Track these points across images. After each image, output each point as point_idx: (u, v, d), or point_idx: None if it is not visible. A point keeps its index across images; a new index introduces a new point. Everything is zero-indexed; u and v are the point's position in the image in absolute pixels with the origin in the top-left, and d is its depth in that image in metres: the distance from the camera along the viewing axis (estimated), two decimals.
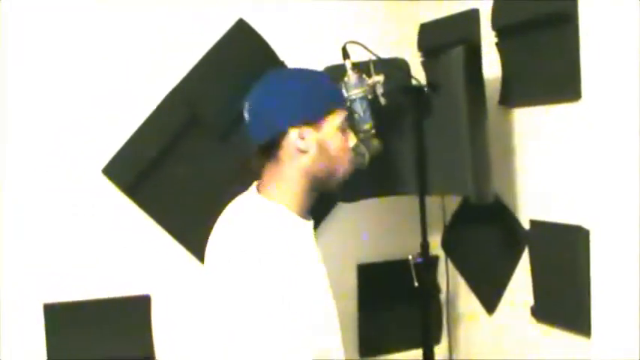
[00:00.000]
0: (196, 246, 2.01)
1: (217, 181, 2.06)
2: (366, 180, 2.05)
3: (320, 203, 2.21)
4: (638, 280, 1.54)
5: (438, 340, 2.32)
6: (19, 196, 1.92)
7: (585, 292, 1.71)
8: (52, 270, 1.96)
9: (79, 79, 1.98)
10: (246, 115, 1.48)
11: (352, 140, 1.52)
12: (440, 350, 2.28)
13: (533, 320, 2.04)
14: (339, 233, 2.34)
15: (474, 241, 2.32)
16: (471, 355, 2.38)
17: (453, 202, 2.33)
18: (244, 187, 1.53)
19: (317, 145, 1.43)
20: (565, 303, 1.89)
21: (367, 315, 2.41)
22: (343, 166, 1.49)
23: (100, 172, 2.00)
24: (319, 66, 1.94)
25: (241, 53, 2.15)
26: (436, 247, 2.35)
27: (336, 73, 1.81)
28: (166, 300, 2.10)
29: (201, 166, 2.11)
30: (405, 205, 2.22)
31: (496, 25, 2.06)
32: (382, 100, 1.77)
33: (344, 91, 1.73)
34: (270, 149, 1.44)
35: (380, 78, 1.75)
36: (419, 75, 2.37)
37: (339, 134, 1.46)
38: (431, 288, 2.04)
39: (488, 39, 2.10)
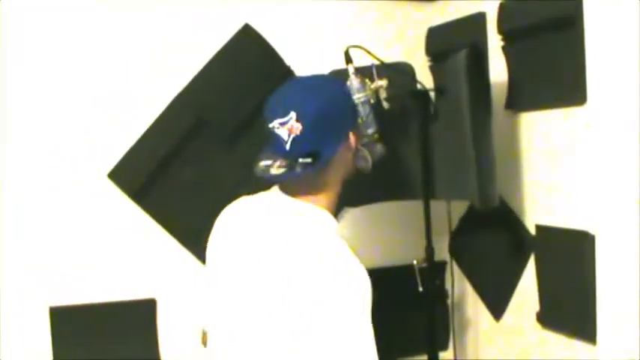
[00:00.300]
0: (202, 250, 2.00)
1: (223, 186, 2.07)
2: (371, 185, 2.04)
3: None
4: None
5: (445, 346, 2.30)
6: (25, 200, 1.94)
7: (591, 298, 1.70)
8: (58, 273, 1.98)
9: (83, 81, 2.00)
10: (293, 127, 1.36)
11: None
12: (446, 356, 2.27)
13: (539, 326, 2.02)
14: (345, 238, 2.33)
15: (481, 246, 2.30)
16: None
17: (460, 207, 2.32)
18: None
19: (356, 140, 1.48)
20: (570, 309, 1.87)
21: (373, 320, 2.39)
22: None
23: (106, 176, 2.01)
24: (325, 70, 1.94)
25: (247, 58, 2.16)
26: (445, 252, 2.34)
27: (339, 77, 1.81)
28: (172, 304, 2.10)
29: (207, 171, 2.12)
30: (412, 209, 2.21)
31: (502, 29, 2.05)
32: (385, 105, 1.77)
33: None
34: (331, 158, 1.40)
35: (383, 82, 1.75)
36: (427, 79, 2.37)
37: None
38: (436, 293, 2.02)
39: (495, 43, 2.09)
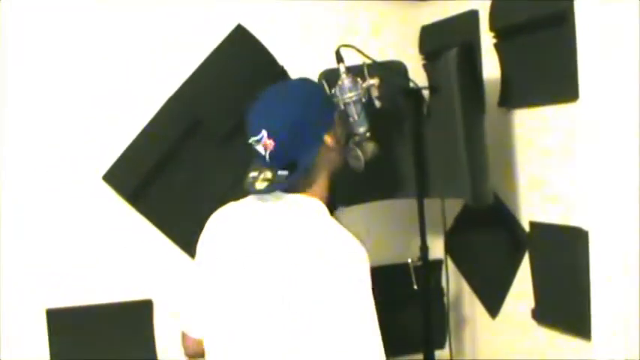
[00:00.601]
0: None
1: (218, 186, 2.08)
2: (365, 184, 2.05)
3: None
4: (638, 281, 1.52)
5: (441, 345, 2.30)
6: (21, 202, 1.95)
7: (585, 294, 1.70)
8: (54, 276, 1.98)
9: (77, 83, 2.01)
10: (267, 144, 1.42)
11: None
12: (443, 354, 2.27)
13: (534, 323, 2.02)
14: None
15: (476, 244, 2.31)
16: (474, 359, 2.36)
17: (455, 205, 2.32)
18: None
19: (336, 142, 1.51)
20: (565, 305, 1.88)
21: None
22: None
23: (101, 178, 2.02)
24: (318, 69, 1.95)
25: (240, 59, 2.17)
26: (440, 250, 2.34)
27: (331, 76, 1.82)
28: (168, 304, 2.11)
29: (202, 171, 2.12)
30: (407, 208, 2.21)
31: (494, 27, 2.06)
32: (377, 104, 1.77)
33: (339, 94, 1.74)
34: (311, 163, 1.45)
35: (374, 81, 1.75)
36: (421, 78, 2.37)
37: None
38: (431, 291, 2.03)
39: (488, 40, 2.10)
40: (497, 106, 2.09)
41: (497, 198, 2.08)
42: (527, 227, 2.03)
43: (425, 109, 2.00)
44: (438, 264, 2.30)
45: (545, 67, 1.89)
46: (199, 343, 1.57)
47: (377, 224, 2.41)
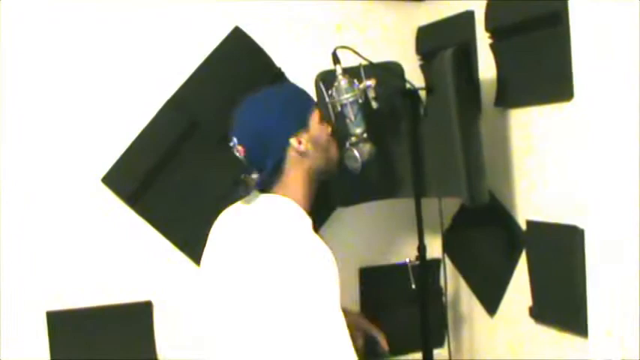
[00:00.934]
0: (196, 252, 2.02)
1: (217, 188, 2.09)
2: (363, 184, 2.07)
3: (319, 208, 2.25)
4: (635, 279, 1.54)
5: (440, 343, 2.31)
6: (20, 205, 1.95)
7: (581, 292, 1.71)
8: (54, 278, 1.99)
9: (75, 86, 2.01)
10: (238, 150, 1.58)
11: (328, 127, 1.66)
12: (442, 353, 2.28)
13: (532, 320, 2.04)
14: (340, 237, 2.35)
15: (473, 243, 2.32)
16: (473, 357, 2.38)
17: (453, 205, 2.33)
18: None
19: (312, 144, 1.58)
20: (562, 303, 1.89)
21: (370, 318, 2.41)
22: (333, 152, 1.66)
23: (100, 180, 2.03)
24: (315, 70, 1.96)
25: (238, 61, 2.17)
26: (438, 249, 2.36)
27: (328, 78, 1.84)
28: (168, 306, 2.12)
29: (200, 174, 2.13)
30: (404, 208, 2.22)
31: (490, 27, 2.07)
32: (374, 104, 1.79)
33: (335, 95, 1.76)
34: (276, 167, 1.57)
35: (371, 82, 1.77)
36: (418, 78, 2.39)
37: (322, 126, 1.63)
38: (430, 291, 2.04)
39: (484, 41, 2.11)
40: (493, 105, 2.11)
41: (493, 197, 2.09)
42: (524, 226, 2.04)
43: (421, 110, 2.02)
44: (435, 263, 2.31)
45: (541, 66, 1.90)
46: None
47: (375, 224, 2.42)
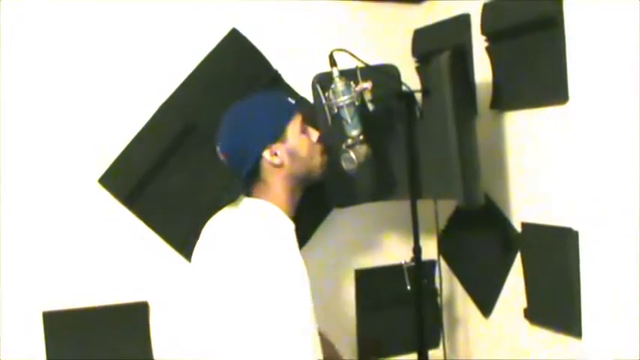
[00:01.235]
0: (192, 253, 2.03)
1: (212, 190, 2.09)
2: (360, 185, 2.08)
3: (315, 209, 2.26)
4: (628, 281, 1.55)
5: (435, 344, 2.32)
6: (17, 205, 1.95)
7: (576, 293, 1.72)
8: (50, 278, 1.99)
9: (72, 87, 2.01)
10: (221, 157, 1.67)
11: (315, 134, 1.71)
12: (437, 354, 2.29)
13: (527, 322, 2.05)
14: (336, 239, 2.36)
15: (468, 244, 2.33)
16: (468, 358, 2.39)
17: (448, 207, 2.34)
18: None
19: (288, 155, 1.63)
20: (557, 304, 1.90)
21: (366, 319, 2.42)
22: (316, 160, 1.69)
23: (97, 181, 2.03)
24: (311, 73, 1.97)
25: (234, 63, 2.18)
26: (433, 251, 2.37)
27: (325, 80, 1.84)
28: (164, 306, 2.12)
29: (197, 175, 2.13)
30: (400, 210, 2.23)
31: (485, 30, 2.08)
32: (370, 107, 1.79)
33: (332, 97, 1.77)
34: (253, 174, 1.64)
35: (368, 84, 1.78)
36: (414, 81, 2.40)
37: (302, 136, 1.66)
38: (425, 292, 2.05)
39: (480, 44, 2.12)
40: (489, 108, 2.12)
41: (488, 199, 2.11)
42: (518, 228, 2.05)
43: (417, 112, 2.02)
44: (431, 265, 2.32)
45: (536, 69, 1.92)
46: None
47: (370, 226, 2.43)
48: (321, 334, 1.55)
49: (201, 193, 2.11)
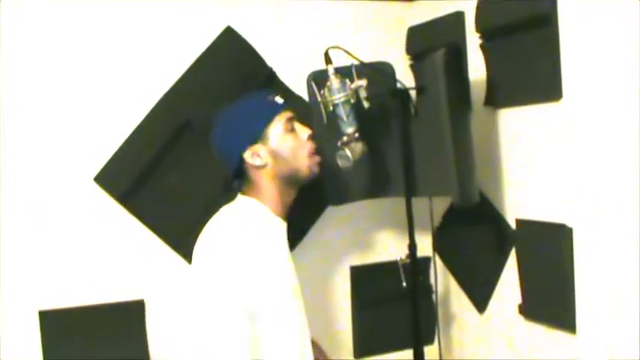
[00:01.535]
0: (188, 251, 2.03)
1: (208, 188, 2.10)
2: (355, 183, 2.09)
3: (310, 207, 2.27)
4: (622, 276, 1.56)
5: (430, 340, 2.34)
6: (12, 204, 1.95)
7: (570, 289, 1.73)
8: (46, 277, 1.99)
9: (68, 85, 2.01)
10: (216, 155, 1.72)
11: (305, 132, 1.69)
12: (432, 350, 2.30)
13: (521, 317, 2.06)
14: (331, 236, 2.37)
15: (463, 241, 2.34)
16: (463, 354, 2.40)
17: (443, 203, 2.35)
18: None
19: (271, 155, 1.64)
20: (551, 300, 1.91)
21: (361, 316, 2.43)
22: (302, 159, 1.67)
23: (92, 180, 2.03)
24: (306, 70, 1.97)
25: (230, 60, 2.17)
26: (428, 248, 2.38)
27: (320, 78, 1.85)
28: (160, 305, 2.12)
29: (192, 173, 2.13)
30: (395, 206, 2.24)
31: (480, 28, 2.09)
32: (365, 104, 1.80)
33: (327, 94, 1.78)
34: (242, 174, 1.68)
35: (362, 82, 1.78)
36: (408, 78, 2.41)
37: (288, 135, 1.66)
38: (420, 289, 2.06)
39: (474, 41, 2.13)
40: (483, 105, 2.13)
41: (483, 196, 2.12)
42: (513, 224, 2.06)
43: (412, 109, 2.03)
44: (426, 261, 2.34)
45: (530, 67, 1.93)
46: None
47: (366, 223, 2.44)
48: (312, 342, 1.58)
49: (197, 191, 2.11)
